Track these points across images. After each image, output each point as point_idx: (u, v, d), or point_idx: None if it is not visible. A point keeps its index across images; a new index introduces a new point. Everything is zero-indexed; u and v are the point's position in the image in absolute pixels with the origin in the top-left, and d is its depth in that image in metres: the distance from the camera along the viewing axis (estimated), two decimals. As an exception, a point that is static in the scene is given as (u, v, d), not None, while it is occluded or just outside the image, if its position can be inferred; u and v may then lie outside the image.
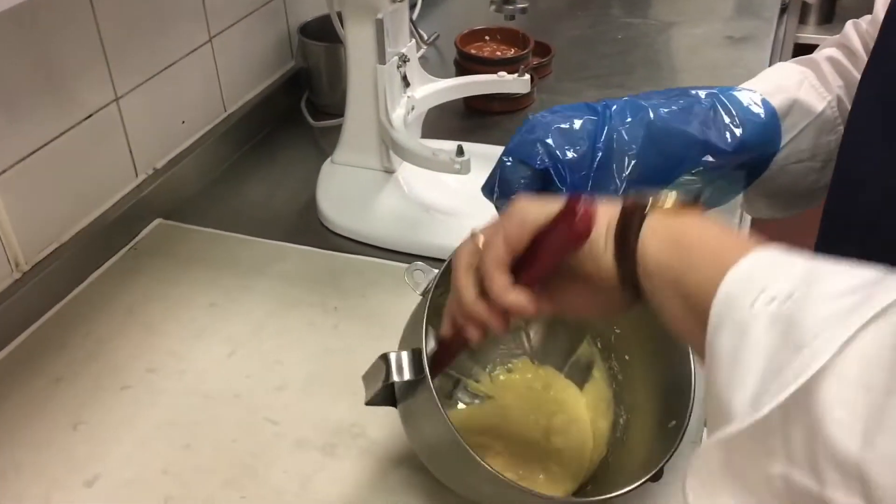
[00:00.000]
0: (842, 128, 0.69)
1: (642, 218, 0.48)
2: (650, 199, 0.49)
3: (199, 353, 0.86)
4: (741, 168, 0.70)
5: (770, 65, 1.41)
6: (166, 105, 1.08)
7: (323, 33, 1.28)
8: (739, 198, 1.02)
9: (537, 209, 0.52)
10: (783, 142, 0.69)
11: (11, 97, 0.85)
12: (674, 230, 0.47)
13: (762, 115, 0.68)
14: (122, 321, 0.90)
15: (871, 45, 0.64)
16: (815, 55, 0.74)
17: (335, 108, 1.29)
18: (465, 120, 1.30)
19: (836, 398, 0.34)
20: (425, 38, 1.06)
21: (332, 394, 0.80)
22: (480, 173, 0.72)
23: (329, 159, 1.08)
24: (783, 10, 1.64)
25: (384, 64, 0.96)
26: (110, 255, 0.99)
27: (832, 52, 0.73)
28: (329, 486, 0.71)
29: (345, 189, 1.05)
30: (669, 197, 0.49)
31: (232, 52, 1.18)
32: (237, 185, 1.14)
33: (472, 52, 1.30)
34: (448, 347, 0.61)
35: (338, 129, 1.24)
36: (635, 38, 1.53)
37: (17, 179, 0.87)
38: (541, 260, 0.52)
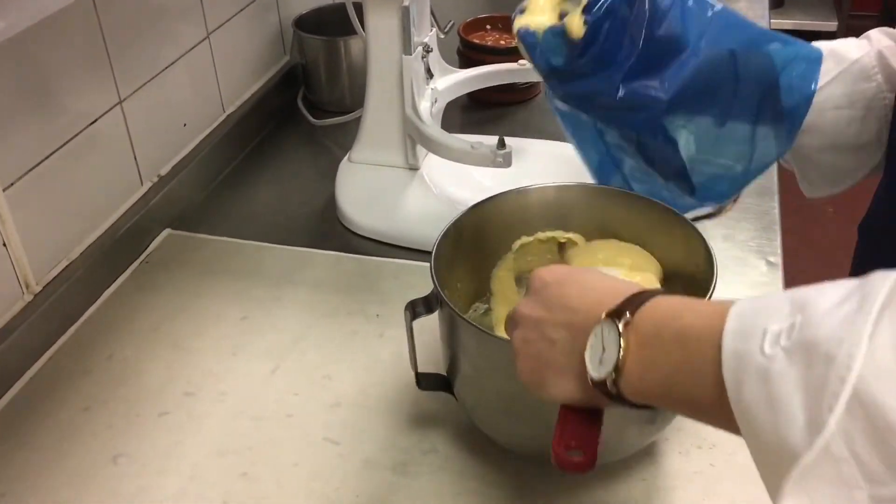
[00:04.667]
0: (880, 77, 0.70)
1: (607, 384, 0.47)
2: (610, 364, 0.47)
3: (239, 372, 0.80)
4: (780, 118, 0.70)
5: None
6: (168, 108, 1.01)
7: (319, 27, 1.22)
8: (776, 188, 1.01)
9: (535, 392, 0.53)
10: (819, 85, 0.70)
11: (15, 105, 0.78)
12: (643, 360, 0.45)
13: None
14: (147, 340, 0.84)
15: None
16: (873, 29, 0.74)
17: (334, 105, 1.24)
18: (470, 113, 1.25)
19: (887, 391, 0.33)
20: (443, 26, 1.01)
21: (390, 408, 0.75)
22: (512, 168, 0.77)
23: (346, 158, 1.02)
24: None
25: (410, 55, 0.91)
26: (122, 269, 0.92)
27: (887, 28, 0.73)
28: (409, 508, 0.67)
29: (367, 189, 0.99)
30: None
31: (228, 49, 1.12)
32: (245, 190, 1.08)
33: (476, 41, 1.26)
34: None
35: (339, 127, 1.19)
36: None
37: (25, 192, 0.80)
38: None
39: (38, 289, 0.83)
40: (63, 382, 0.79)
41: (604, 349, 0.47)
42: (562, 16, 0.69)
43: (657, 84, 0.66)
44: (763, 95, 0.69)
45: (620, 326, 0.46)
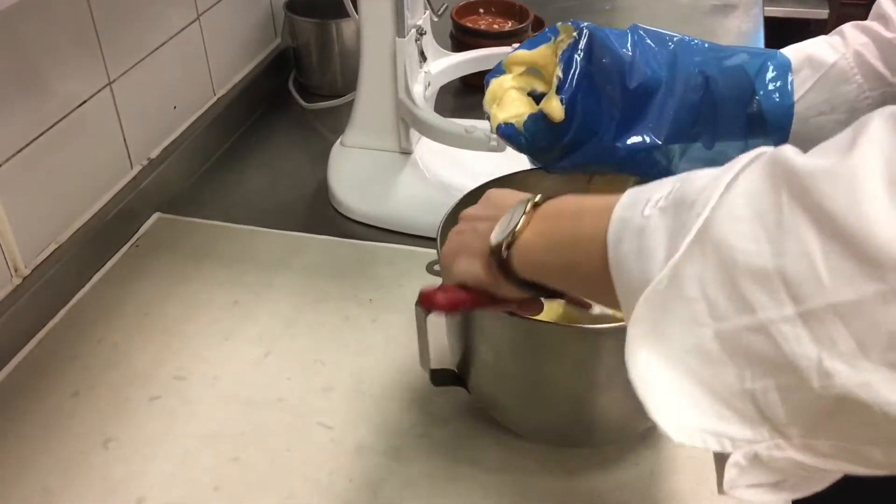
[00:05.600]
0: (860, 77, 0.69)
1: (502, 249, 0.51)
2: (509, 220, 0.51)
3: (230, 356, 0.79)
4: (766, 129, 0.70)
5: (764, 31, 1.40)
6: (158, 90, 1.00)
7: (310, 9, 1.21)
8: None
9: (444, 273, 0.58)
10: (797, 96, 0.70)
11: (2, 87, 0.76)
12: (538, 229, 0.50)
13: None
14: (137, 324, 0.83)
15: None
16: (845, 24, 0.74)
17: (326, 89, 1.22)
18: (462, 97, 1.24)
19: (736, 233, 0.36)
20: (437, 9, 1.00)
21: (383, 393, 0.75)
22: (506, 152, 0.77)
23: (338, 142, 1.01)
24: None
25: (404, 37, 0.90)
26: (112, 253, 0.91)
27: (860, 22, 0.73)
28: (403, 492, 0.66)
29: (360, 173, 0.98)
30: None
31: (219, 31, 1.10)
32: (235, 174, 1.07)
33: (469, 25, 1.25)
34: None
35: (330, 111, 1.18)
36: (623, 10, 1.50)
37: (14, 174, 0.79)
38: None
39: (26, 272, 0.82)
40: (52, 367, 0.78)
41: (510, 222, 0.51)
42: (534, 97, 0.69)
43: (649, 131, 0.67)
44: (746, 110, 0.69)
45: (528, 206, 0.50)
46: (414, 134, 0.96)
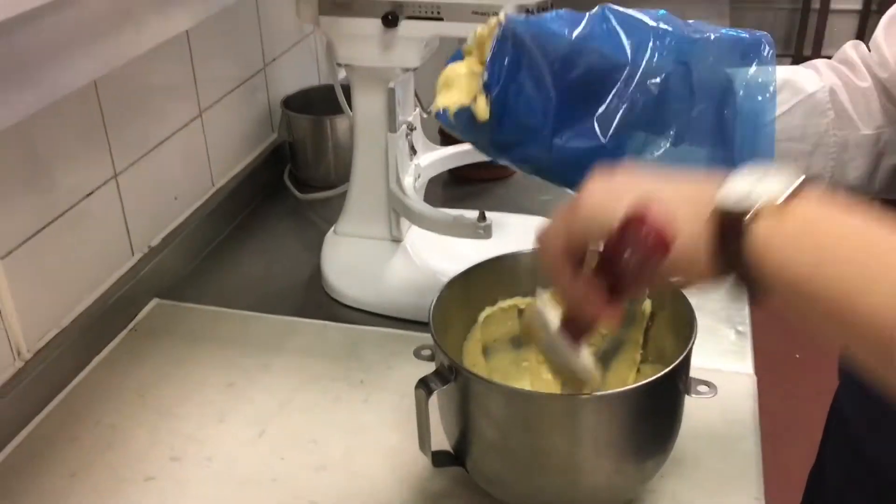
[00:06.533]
0: (832, 113, 0.71)
1: (740, 222, 0.43)
2: (750, 192, 0.43)
3: (225, 437, 0.81)
4: (732, 143, 0.67)
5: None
6: (161, 181, 1.05)
7: (305, 106, 1.28)
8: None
9: (602, 216, 0.49)
10: (775, 114, 0.69)
11: (14, 177, 0.81)
12: (804, 229, 0.41)
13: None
14: (134, 406, 0.85)
15: (873, 68, 0.70)
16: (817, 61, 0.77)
17: (320, 181, 1.28)
18: (450, 188, 1.30)
19: None
20: (426, 107, 1.07)
21: (376, 472, 0.77)
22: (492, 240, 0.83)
23: (332, 230, 1.06)
24: None
25: (395, 132, 0.96)
26: (111, 338, 0.94)
27: (830, 61, 0.75)
28: (393, 570, 0.68)
29: (352, 260, 1.03)
30: (784, 182, 0.42)
31: (219, 126, 1.16)
32: (232, 261, 1.11)
33: (456, 121, 1.31)
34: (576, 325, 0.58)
35: (324, 202, 1.23)
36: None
37: (21, 261, 0.82)
38: (624, 283, 0.50)
39: (28, 356, 0.85)
40: (50, 448, 0.80)
41: (753, 190, 0.43)
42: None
43: (591, 128, 0.62)
44: (719, 116, 0.65)
45: (797, 183, 0.42)
46: (404, 222, 1.01)
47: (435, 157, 1.06)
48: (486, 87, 0.62)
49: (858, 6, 3.25)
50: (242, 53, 1.22)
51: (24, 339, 0.84)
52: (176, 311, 1.00)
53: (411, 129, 1.00)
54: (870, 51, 0.72)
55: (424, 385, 0.65)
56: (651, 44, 0.62)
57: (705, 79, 0.64)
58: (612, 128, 0.61)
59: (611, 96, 0.61)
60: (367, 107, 0.96)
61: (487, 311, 0.79)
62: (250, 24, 1.22)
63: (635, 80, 0.61)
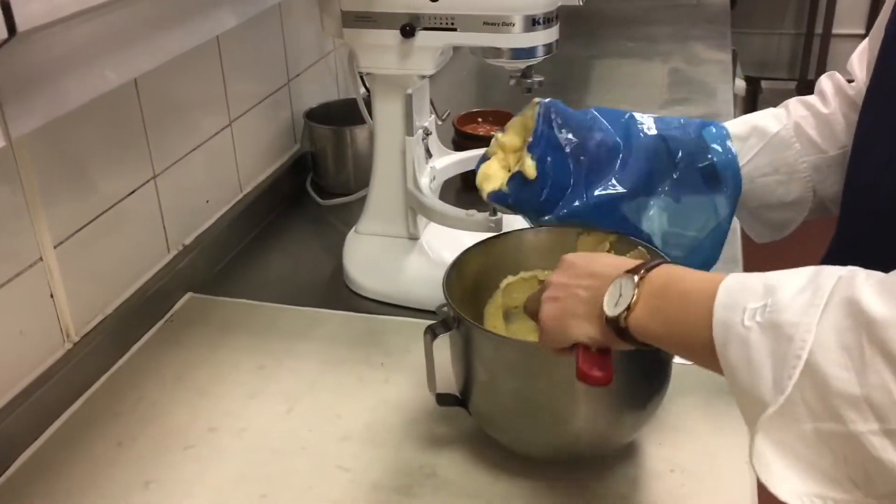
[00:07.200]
0: (798, 144, 0.84)
1: (620, 320, 0.61)
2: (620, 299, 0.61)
3: (257, 412, 0.88)
4: (719, 191, 0.83)
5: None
6: (194, 185, 1.13)
7: (327, 118, 1.36)
8: (740, 257, 1.12)
9: (557, 341, 0.67)
10: (745, 159, 0.84)
11: (67, 175, 0.89)
12: (650, 306, 0.60)
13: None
14: (173, 386, 0.92)
15: (845, 90, 0.83)
16: (791, 99, 0.89)
17: (340, 188, 1.35)
18: (463, 195, 1.37)
19: (829, 361, 0.48)
20: (440, 114, 1.15)
21: (395, 440, 0.83)
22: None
23: (353, 230, 1.13)
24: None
25: (412, 136, 1.03)
26: (149, 326, 1.01)
27: (802, 97, 0.88)
28: (413, 522, 0.74)
29: (372, 256, 1.10)
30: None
31: (247, 136, 1.24)
32: (258, 260, 1.18)
33: (469, 131, 1.39)
34: None
35: (343, 207, 1.31)
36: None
37: (72, 252, 0.90)
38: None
39: (76, 338, 0.92)
40: (97, 421, 0.87)
41: (620, 295, 0.61)
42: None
43: (614, 181, 0.81)
44: (702, 169, 0.82)
45: (636, 279, 0.60)
46: (421, 221, 1.08)
47: (449, 161, 1.13)
48: (529, 149, 0.80)
49: (861, 30, 3.33)
50: (268, 70, 1.31)
51: (73, 323, 0.91)
52: (209, 304, 1.08)
53: (427, 133, 1.08)
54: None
55: (431, 331, 0.77)
56: (630, 129, 0.83)
57: (683, 142, 0.82)
58: (630, 182, 0.81)
59: (618, 162, 0.81)
60: (386, 112, 1.04)
61: (509, 278, 0.87)
62: (275, 43, 1.31)
63: (633, 151, 0.82)
